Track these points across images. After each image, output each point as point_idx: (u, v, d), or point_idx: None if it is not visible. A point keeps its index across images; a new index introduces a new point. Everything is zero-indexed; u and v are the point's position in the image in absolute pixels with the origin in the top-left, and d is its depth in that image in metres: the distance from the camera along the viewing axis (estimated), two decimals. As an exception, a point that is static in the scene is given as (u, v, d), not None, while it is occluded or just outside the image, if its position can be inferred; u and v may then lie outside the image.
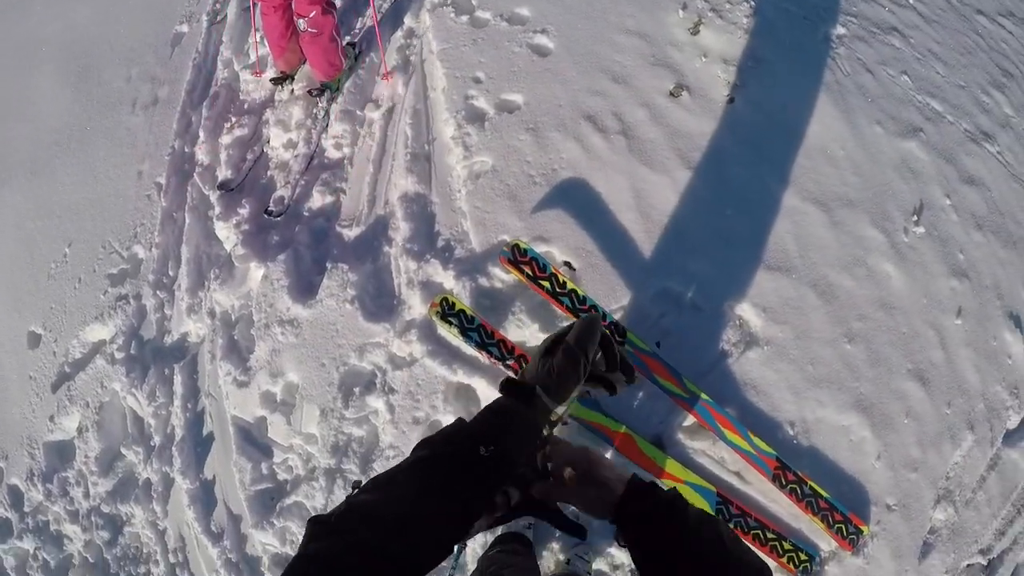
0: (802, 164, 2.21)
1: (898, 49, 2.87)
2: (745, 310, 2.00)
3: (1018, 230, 2.71)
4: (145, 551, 2.31)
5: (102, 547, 2.38)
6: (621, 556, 1.88)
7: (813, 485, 2.01)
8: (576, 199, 2.04)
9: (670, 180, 2.06)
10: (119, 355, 2.48)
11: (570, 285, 1.88)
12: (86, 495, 2.41)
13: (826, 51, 2.58)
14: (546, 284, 1.88)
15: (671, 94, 2.18)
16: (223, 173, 2.60)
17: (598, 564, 1.87)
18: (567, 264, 1.96)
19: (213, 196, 2.56)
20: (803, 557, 2.05)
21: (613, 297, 1.93)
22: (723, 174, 2.11)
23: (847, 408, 2.08)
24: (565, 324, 0.90)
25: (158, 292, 2.52)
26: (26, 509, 2.58)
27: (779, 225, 2.09)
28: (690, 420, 1.92)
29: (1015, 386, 2.54)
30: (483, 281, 1.96)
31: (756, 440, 1.92)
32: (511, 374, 1.86)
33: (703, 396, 1.88)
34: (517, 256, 1.89)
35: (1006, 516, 2.59)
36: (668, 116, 2.15)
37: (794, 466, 1.97)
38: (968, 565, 2.47)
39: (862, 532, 2.12)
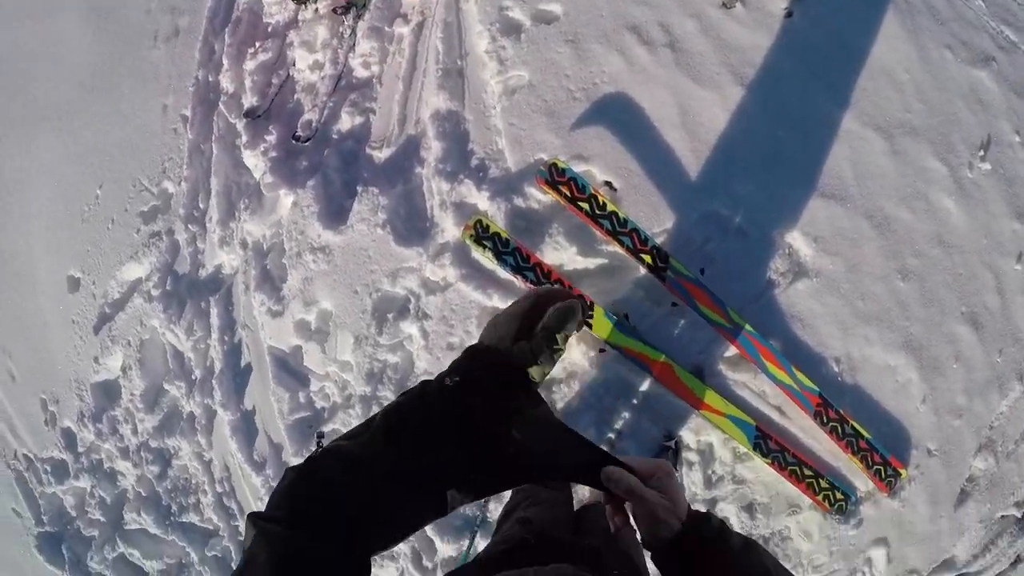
0: (863, 86, 2.04)
1: (974, -31, 2.61)
2: (795, 238, 1.89)
3: (1091, 171, 2.51)
4: (193, 482, 2.39)
5: (153, 481, 2.46)
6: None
7: (855, 424, 1.95)
8: (618, 116, 1.92)
9: (719, 97, 1.91)
10: (155, 292, 2.49)
11: (610, 207, 1.79)
12: (134, 432, 2.48)
13: (896, -34, 2.36)
14: (585, 206, 1.79)
15: (724, 4, 2.01)
16: (249, 100, 2.52)
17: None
18: (607, 184, 1.86)
19: (240, 124, 2.49)
20: (839, 496, 2.01)
21: (656, 220, 1.83)
22: (777, 93, 1.96)
23: (895, 348, 1.99)
24: (525, 299, 0.76)
25: (190, 226, 2.51)
26: (80, 449, 2.68)
27: (835, 150, 1.95)
28: (732, 351, 1.85)
29: (1071, 336, 2.41)
30: (519, 202, 1.87)
31: (799, 375, 1.86)
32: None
33: (747, 327, 1.81)
34: (555, 176, 1.80)
35: (1047, 470, 2.51)
36: (720, 28, 1.98)
37: (837, 404, 1.91)
38: (1002, 516, 2.42)
39: (900, 475, 2.07)
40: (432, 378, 0.72)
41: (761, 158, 1.90)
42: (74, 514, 2.75)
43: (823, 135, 1.98)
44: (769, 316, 1.84)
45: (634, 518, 0.70)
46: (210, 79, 2.64)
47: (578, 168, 1.87)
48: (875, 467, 2.02)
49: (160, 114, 2.73)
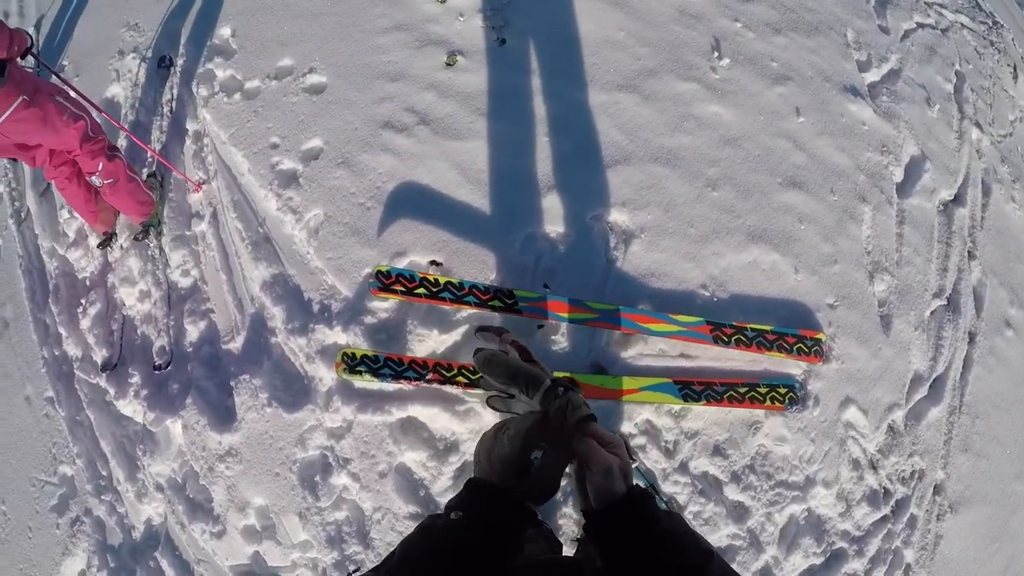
0: (593, 62, 2.28)
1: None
2: (609, 213, 2.05)
3: (813, 17, 2.85)
4: None
5: None
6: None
7: (753, 326, 2.07)
8: (411, 202, 2.05)
9: (484, 140, 2.09)
10: (102, 575, 2.38)
11: (443, 280, 1.89)
12: None
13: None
14: (421, 291, 1.89)
15: (447, 64, 2.21)
16: (100, 356, 2.52)
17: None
18: (433, 263, 1.97)
19: (102, 381, 2.48)
20: (783, 391, 2.12)
21: (487, 268, 1.95)
22: (529, 108, 2.16)
23: (744, 245, 2.16)
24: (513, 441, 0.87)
25: (103, 497, 2.44)
26: None
27: (599, 124, 2.15)
28: (615, 334, 1.96)
29: (882, 145, 2.68)
30: (369, 319, 1.95)
31: (680, 318, 1.98)
32: (436, 386, 1.86)
33: (610, 307, 1.92)
34: (384, 280, 1.89)
35: (939, 254, 2.73)
36: (454, 85, 2.18)
37: (727, 320, 2.03)
38: (931, 313, 2.61)
39: (821, 340, 2.21)
40: (439, 512, 0.82)
41: (545, 168, 2.07)
42: None
43: (582, 119, 2.19)
44: (626, 287, 1.97)
45: (587, 481, 0.80)
46: (56, 353, 2.63)
47: (401, 263, 1.98)
48: (795, 347, 2.15)
49: (26, 407, 2.68)
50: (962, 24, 3.38)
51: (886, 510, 2.25)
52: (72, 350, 2.55)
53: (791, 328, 2.15)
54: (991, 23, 3.72)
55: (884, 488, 2.27)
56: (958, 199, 2.82)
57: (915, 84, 2.93)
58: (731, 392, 2.02)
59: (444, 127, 2.13)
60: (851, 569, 2.16)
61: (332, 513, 1.96)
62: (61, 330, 2.60)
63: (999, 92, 3.41)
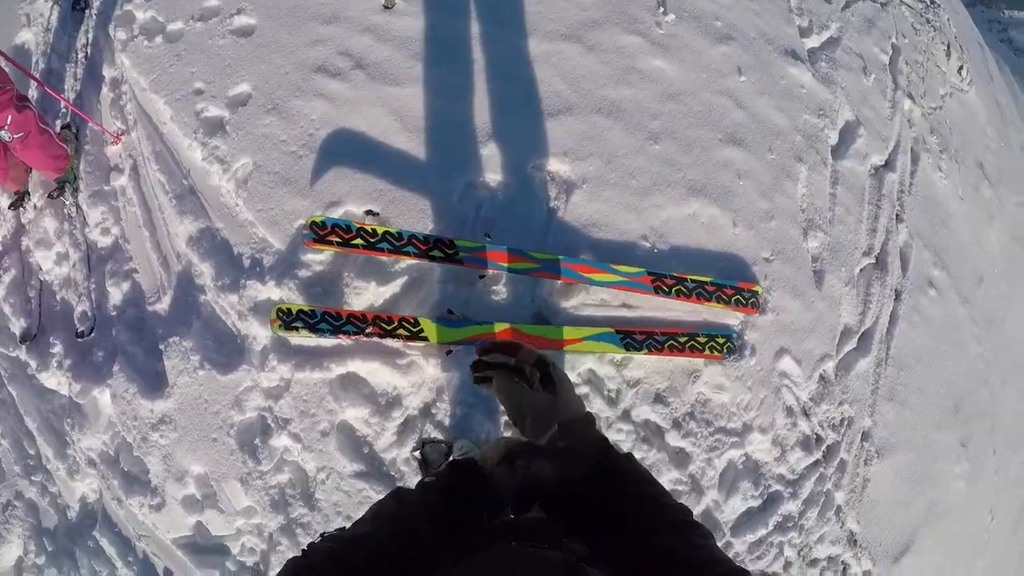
0: (535, 11, 2.23)
1: None
2: (550, 163, 2.03)
3: (758, -23, 2.87)
4: None
5: None
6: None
7: (692, 277, 2.12)
8: (346, 149, 1.97)
9: (422, 86, 2.02)
10: (40, 561, 2.25)
11: (380, 230, 1.83)
12: None
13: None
14: (359, 242, 1.82)
15: (385, 7, 2.12)
16: (17, 326, 2.33)
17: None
18: (369, 212, 1.90)
19: (21, 353, 2.30)
20: (721, 340, 2.18)
21: (425, 218, 1.90)
22: (468, 54, 2.09)
23: (684, 198, 2.19)
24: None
25: (32, 477, 2.29)
26: None
27: (541, 73, 2.11)
28: (557, 284, 1.96)
29: (819, 109, 2.76)
30: (304, 272, 1.88)
31: (621, 268, 1.99)
32: (376, 340, 1.82)
33: (551, 257, 1.91)
34: (319, 232, 1.82)
35: (869, 215, 2.86)
36: (391, 29, 2.09)
37: (667, 270, 2.07)
38: (860, 270, 2.73)
39: (758, 292, 2.28)
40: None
41: (484, 115, 2.03)
42: None
43: (524, 68, 2.14)
44: (567, 237, 1.97)
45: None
46: (-33, 328, 2.42)
47: (336, 213, 1.90)
48: (733, 299, 2.21)
49: (-64, 391, 2.47)
50: (902, 0, 3.51)
51: (818, 455, 2.37)
52: (-16, 321, 2.35)
53: (729, 280, 2.21)
54: (929, 2, 3.87)
55: (816, 434, 2.39)
56: (888, 164, 2.95)
57: (853, 53, 3.02)
58: (671, 341, 2.07)
59: (381, 72, 2.04)
60: (786, 511, 2.27)
61: (274, 476, 1.90)
62: (-30, 300, 2.39)
63: (932, 67, 3.56)
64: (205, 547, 2.03)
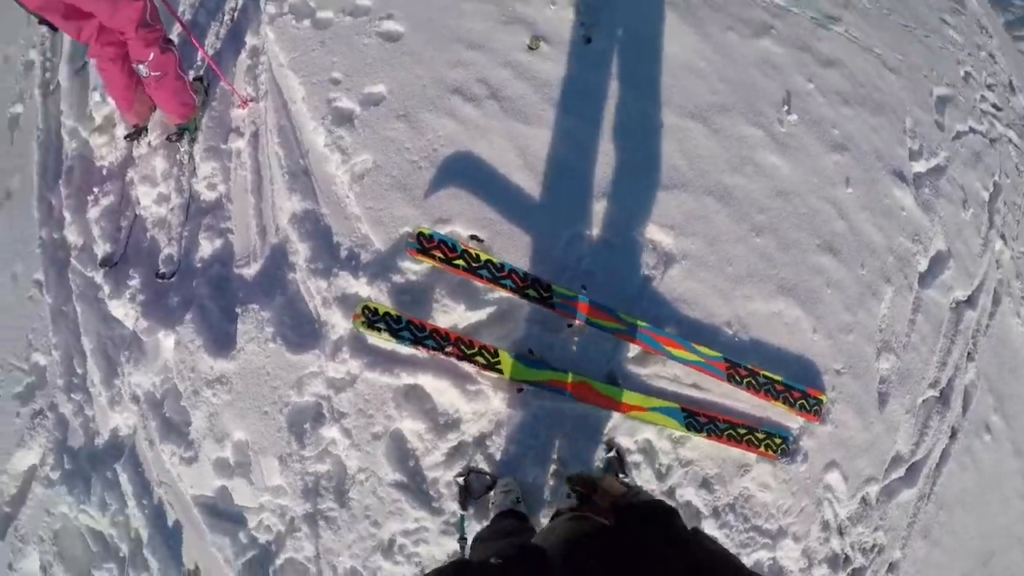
0: (670, 84, 2.28)
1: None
2: (655, 232, 2.05)
3: (881, 97, 2.92)
4: None
5: None
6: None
7: (765, 373, 2.10)
8: (465, 173, 2.02)
9: (549, 130, 2.07)
10: (54, 475, 2.27)
11: (483, 256, 1.86)
12: None
13: (664, -28, 2.66)
14: (460, 262, 1.85)
15: (529, 47, 2.19)
16: (101, 249, 2.40)
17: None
18: (474, 237, 1.93)
19: (98, 276, 2.36)
20: (778, 441, 2.15)
21: (528, 257, 1.93)
22: (599, 110, 2.14)
23: (773, 295, 2.19)
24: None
25: (72, 395, 2.32)
26: None
27: (664, 146, 2.15)
28: (636, 350, 1.96)
29: (915, 234, 2.75)
30: (397, 278, 1.90)
31: (701, 349, 1.99)
32: (453, 360, 1.82)
33: (640, 323, 1.92)
34: (424, 243, 1.85)
35: (942, 348, 2.81)
36: (532, 69, 2.15)
37: (743, 361, 2.05)
38: (923, 400, 2.68)
39: (822, 401, 2.25)
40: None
41: (603, 172, 2.06)
42: None
43: (649, 136, 2.18)
44: (656, 307, 1.97)
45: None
46: (55, 236, 2.51)
47: (443, 230, 1.94)
48: (798, 403, 2.19)
49: (11, 285, 2.54)
50: (1010, 139, 3.51)
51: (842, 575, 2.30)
52: (73, 237, 2.43)
53: (799, 384, 2.19)
54: (1035, 145, 3.86)
55: (845, 554, 2.32)
56: (970, 301, 2.91)
57: (956, 184, 3.02)
58: (732, 431, 2.04)
59: (514, 107, 2.10)
60: (798, 625, 2.20)
61: (314, 464, 1.90)
62: (66, 214, 2.47)
63: (1029, 212, 3.54)
64: (223, 512, 2.03)
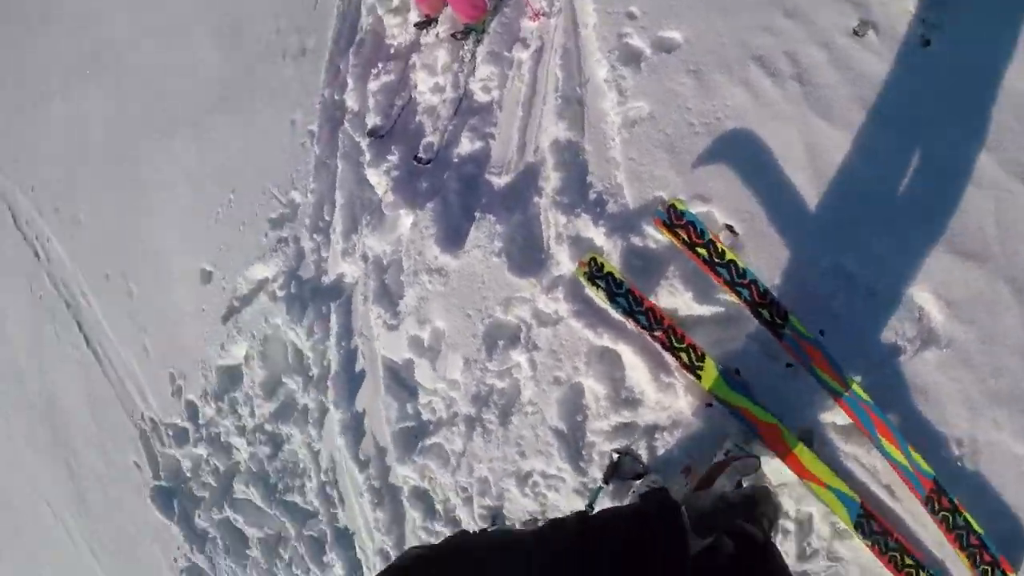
0: (1012, 128, 1.83)
1: None
2: (927, 300, 1.78)
3: None
4: (301, 467, 2.63)
5: (264, 460, 2.73)
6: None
7: (968, 517, 1.78)
8: (741, 154, 1.86)
9: (851, 136, 1.80)
10: (280, 293, 2.74)
11: (729, 255, 1.76)
12: (251, 414, 2.76)
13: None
14: (703, 252, 1.77)
15: (855, 32, 1.87)
16: (372, 120, 2.68)
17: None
18: (728, 227, 1.83)
19: (363, 143, 2.67)
20: (936, 592, 1.89)
21: (777, 271, 1.79)
22: (914, 133, 1.82)
23: (1029, 435, 1.83)
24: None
25: (314, 235, 2.73)
26: (200, 422, 3.01)
27: (978, 203, 1.79)
28: (845, 420, 1.78)
29: None
30: (635, 240, 1.89)
31: (915, 455, 1.74)
32: (657, 345, 1.81)
33: (864, 396, 1.72)
34: (673, 218, 1.79)
35: None
36: (851, 59, 1.84)
37: (952, 491, 1.73)
38: None
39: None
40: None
41: (895, 207, 1.79)
42: (188, 476, 3.11)
43: (964, 185, 1.83)
44: (890, 386, 1.75)
45: None
46: (336, 97, 2.84)
47: (698, 209, 1.85)
48: (982, 567, 1.85)
49: (289, 128, 2.97)
50: None
51: None
52: (351, 102, 2.73)
53: (997, 546, 1.86)
54: None
55: None
56: None
57: None
58: (898, 555, 1.80)
59: (818, 97, 1.84)
60: None
61: (493, 378, 2.05)
62: (349, 80, 2.77)
63: None
64: (403, 381, 2.31)
